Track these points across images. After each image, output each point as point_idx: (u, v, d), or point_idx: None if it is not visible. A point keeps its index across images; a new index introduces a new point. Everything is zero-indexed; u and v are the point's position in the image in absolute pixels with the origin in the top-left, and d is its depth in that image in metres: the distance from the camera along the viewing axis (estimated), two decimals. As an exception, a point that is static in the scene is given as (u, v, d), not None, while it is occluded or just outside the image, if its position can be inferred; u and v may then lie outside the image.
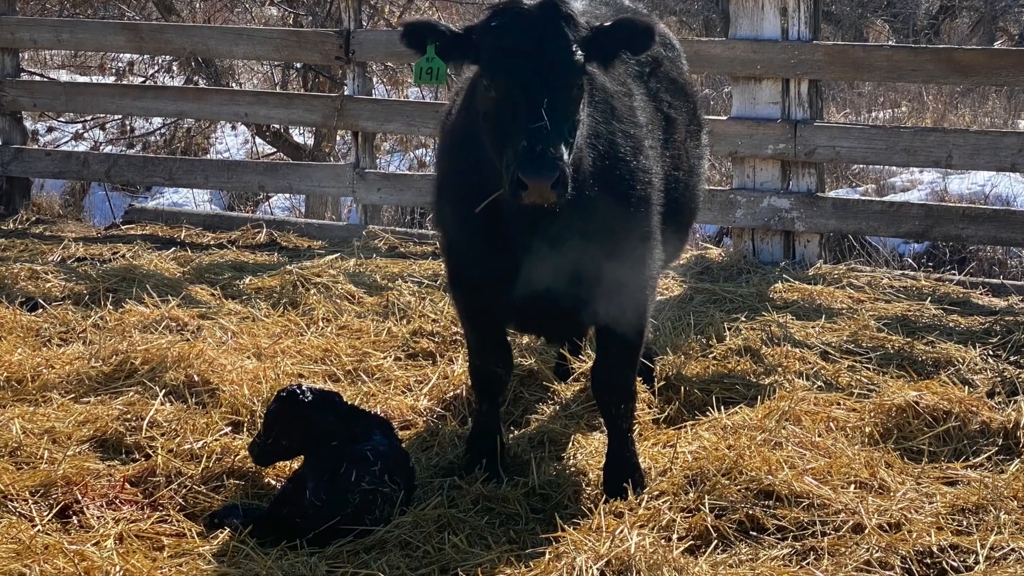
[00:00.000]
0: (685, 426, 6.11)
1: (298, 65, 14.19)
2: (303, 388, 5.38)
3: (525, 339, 6.99)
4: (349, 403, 5.55)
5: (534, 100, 4.77)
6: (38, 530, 5.08)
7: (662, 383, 6.57)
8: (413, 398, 6.53)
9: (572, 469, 5.76)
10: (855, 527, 5.04)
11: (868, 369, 6.94)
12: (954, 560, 4.83)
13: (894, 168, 11.99)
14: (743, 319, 7.65)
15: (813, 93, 9.11)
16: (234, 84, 15.22)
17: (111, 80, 15.14)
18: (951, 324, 7.74)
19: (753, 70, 9.10)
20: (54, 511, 5.26)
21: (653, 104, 5.81)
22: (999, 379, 6.76)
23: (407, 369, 6.99)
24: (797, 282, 8.49)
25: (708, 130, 6.65)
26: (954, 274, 8.96)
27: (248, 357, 6.92)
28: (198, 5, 16.40)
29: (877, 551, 4.85)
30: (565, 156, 4.76)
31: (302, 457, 5.37)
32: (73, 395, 6.44)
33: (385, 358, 7.11)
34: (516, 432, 6.19)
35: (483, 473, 5.58)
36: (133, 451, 5.86)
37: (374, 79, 13.42)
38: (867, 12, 18.70)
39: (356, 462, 5.16)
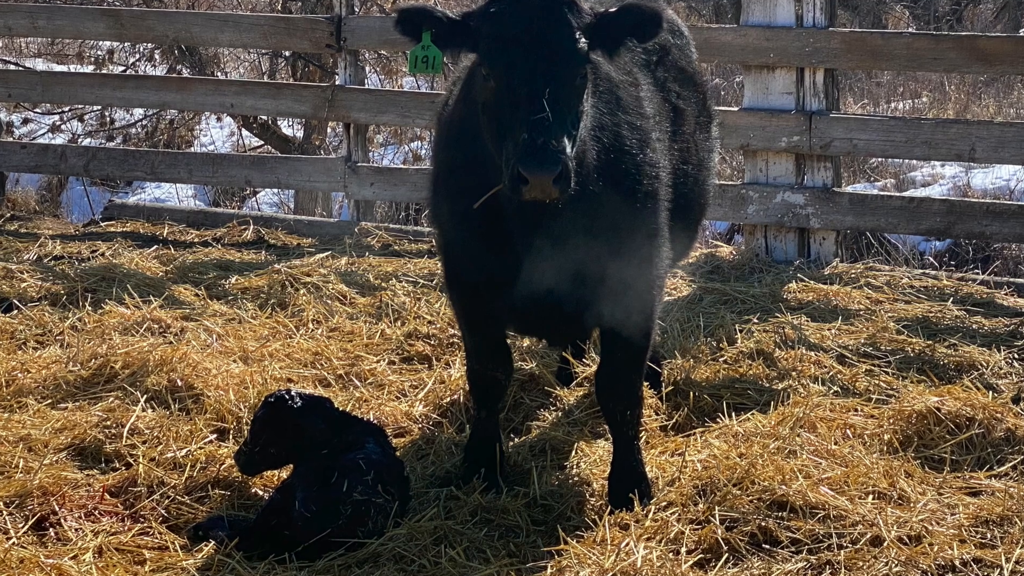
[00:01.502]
0: (694, 433, 6.11)
1: (287, 53, 14.19)
2: (292, 393, 5.38)
3: (526, 342, 6.99)
4: (340, 409, 5.56)
5: (535, 90, 4.78)
6: (13, 543, 5.08)
7: (670, 388, 6.57)
8: (408, 404, 6.54)
9: (575, 479, 5.76)
10: (873, 540, 5.04)
11: (887, 373, 6.94)
12: (978, 575, 4.83)
13: (914, 162, 12.01)
14: (755, 321, 7.65)
15: (829, 83, 9.11)
16: (219, 73, 15.22)
17: (90, 69, 15.13)
18: (974, 326, 7.74)
19: (766, 58, 9.10)
20: (30, 523, 5.26)
21: (660, 94, 5.81)
22: (1025, 384, 6.77)
23: (401, 373, 7.00)
24: (812, 282, 8.49)
25: (719, 122, 6.65)
26: (977, 273, 8.96)
27: (234, 361, 6.92)
28: (181, -11, 16.41)
29: (897, 565, 4.85)
30: (568, 149, 4.76)
31: (291, 466, 5.37)
32: (50, 401, 6.43)
33: (378, 362, 7.11)
34: (516, 440, 6.19)
35: (481, 483, 5.59)
36: (113, 460, 5.87)
37: (367, 68, 13.43)
38: (886, -3, 18.72)
39: (348, 471, 5.16)
